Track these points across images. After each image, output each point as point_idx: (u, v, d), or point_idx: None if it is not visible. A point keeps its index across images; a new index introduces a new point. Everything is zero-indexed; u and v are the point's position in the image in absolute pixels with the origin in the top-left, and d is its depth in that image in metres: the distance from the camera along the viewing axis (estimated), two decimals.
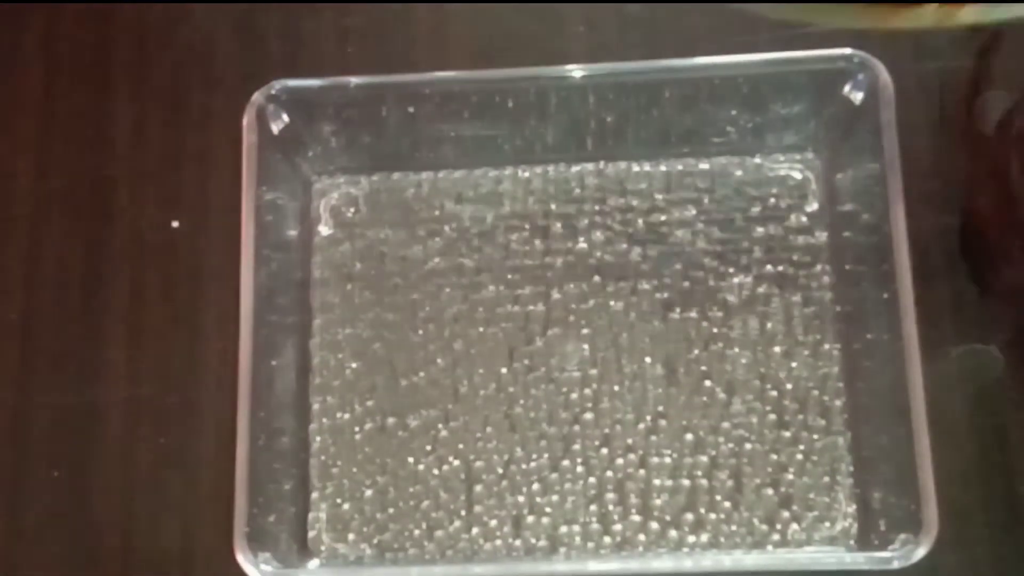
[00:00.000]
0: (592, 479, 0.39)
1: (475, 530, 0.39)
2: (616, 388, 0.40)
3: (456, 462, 0.40)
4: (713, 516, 0.39)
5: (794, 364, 0.40)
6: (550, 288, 0.41)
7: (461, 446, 0.40)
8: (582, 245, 0.41)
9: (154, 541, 0.40)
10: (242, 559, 0.37)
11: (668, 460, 0.39)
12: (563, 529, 0.39)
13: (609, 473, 0.39)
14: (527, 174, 0.42)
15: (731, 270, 0.41)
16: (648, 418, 0.40)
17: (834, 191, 0.41)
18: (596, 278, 0.41)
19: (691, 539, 0.38)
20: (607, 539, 0.39)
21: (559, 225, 0.42)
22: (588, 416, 0.40)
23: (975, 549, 0.38)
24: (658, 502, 0.39)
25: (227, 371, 0.39)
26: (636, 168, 0.42)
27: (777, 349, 0.40)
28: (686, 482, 0.39)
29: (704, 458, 0.39)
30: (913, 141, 0.39)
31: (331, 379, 0.41)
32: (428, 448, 0.40)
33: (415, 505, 0.39)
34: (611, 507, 0.39)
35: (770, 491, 0.39)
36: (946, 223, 0.41)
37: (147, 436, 0.41)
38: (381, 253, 0.42)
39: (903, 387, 0.36)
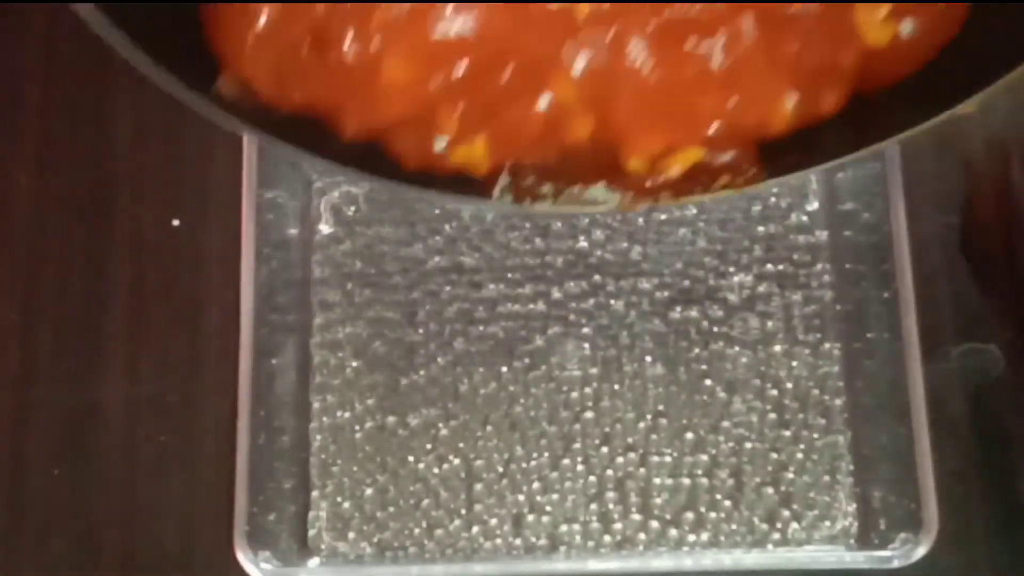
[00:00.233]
0: (592, 478, 0.39)
1: (475, 529, 0.39)
2: (616, 387, 0.40)
3: (456, 461, 0.40)
4: (713, 515, 0.39)
5: (794, 363, 0.40)
6: (550, 287, 0.41)
7: (461, 445, 0.40)
8: (582, 244, 0.41)
9: (154, 540, 0.40)
10: (242, 558, 0.37)
11: (668, 459, 0.39)
12: (563, 528, 0.39)
13: (609, 472, 0.39)
14: None
15: (731, 269, 0.41)
16: (648, 417, 0.40)
17: (834, 190, 0.41)
18: (596, 277, 0.41)
19: (691, 538, 0.38)
20: (607, 538, 0.39)
21: (559, 224, 0.42)
22: (588, 415, 0.40)
23: (975, 548, 0.38)
24: (658, 501, 0.39)
25: (227, 370, 0.39)
26: None
27: (777, 348, 0.40)
28: (686, 481, 0.39)
29: (704, 457, 0.39)
30: (913, 141, 0.39)
31: (331, 378, 0.41)
32: (428, 447, 0.40)
33: (415, 504, 0.39)
34: (611, 506, 0.39)
35: (770, 490, 0.39)
36: (946, 223, 0.41)
37: (147, 435, 0.41)
38: (381, 252, 0.42)
39: (903, 387, 0.37)
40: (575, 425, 0.40)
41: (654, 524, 0.39)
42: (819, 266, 0.41)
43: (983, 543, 0.38)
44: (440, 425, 0.40)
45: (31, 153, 0.44)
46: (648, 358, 0.40)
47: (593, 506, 0.39)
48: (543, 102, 0.27)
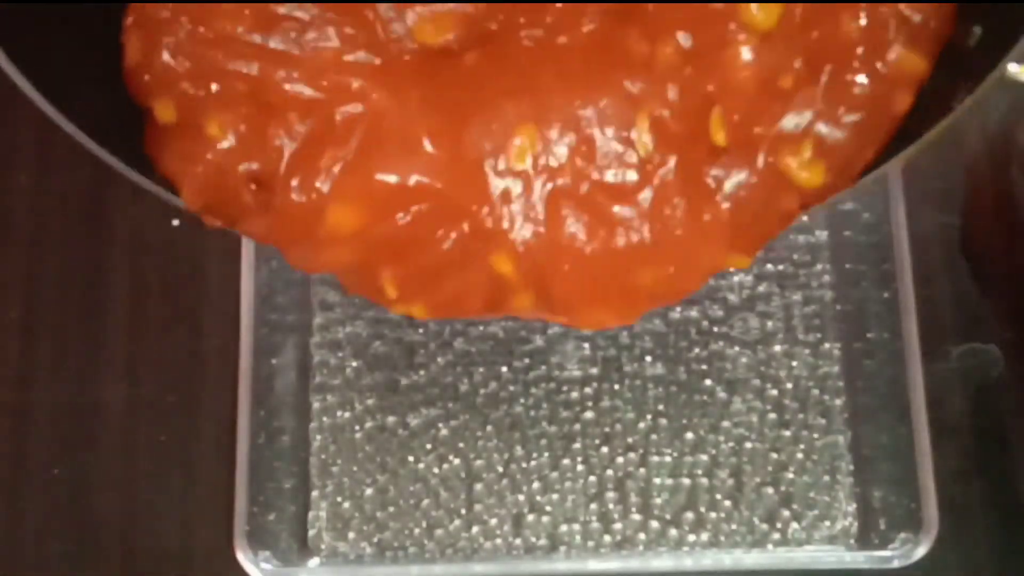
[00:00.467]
0: (592, 478, 0.39)
1: (475, 529, 0.39)
2: (616, 387, 0.40)
3: (456, 461, 0.40)
4: (713, 515, 0.39)
5: (794, 363, 0.40)
6: None
7: (461, 445, 0.40)
8: None
9: (154, 540, 0.40)
10: (242, 558, 0.37)
11: (668, 459, 0.39)
12: (563, 528, 0.39)
13: (609, 472, 0.39)
14: None
15: (731, 268, 0.41)
16: (648, 417, 0.40)
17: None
18: None
19: (691, 538, 0.38)
20: (607, 538, 0.39)
21: None
22: (588, 415, 0.40)
23: (975, 548, 0.38)
24: (658, 501, 0.39)
25: (227, 370, 0.39)
26: None
27: (777, 348, 0.40)
28: (686, 481, 0.39)
29: (704, 457, 0.39)
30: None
31: (331, 378, 0.41)
32: (428, 447, 0.40)
33: (415, 504, 0.39)
34: (611, 506, 0.39)
35: (770, 490, 0.39)
36: (946, 223, 0.41)
37: (147, 435, 0.41)
38: None
39: (903, 387, 0.37)
40: (575, 425, 0.40)
41: (654, 524, 0.39)
42: (819, 266, 0.41)
43: (983, 543, 0.38)
44: (440, 425, 0.40)
45: (31, 153, 0.44)
46: (648, 358, 0.40)
47: (593, 506, 0.39)
48: (481, 275, 0.27)
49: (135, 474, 0.40)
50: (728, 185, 0.26)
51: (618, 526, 0.39)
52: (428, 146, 0.26)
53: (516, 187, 0.26)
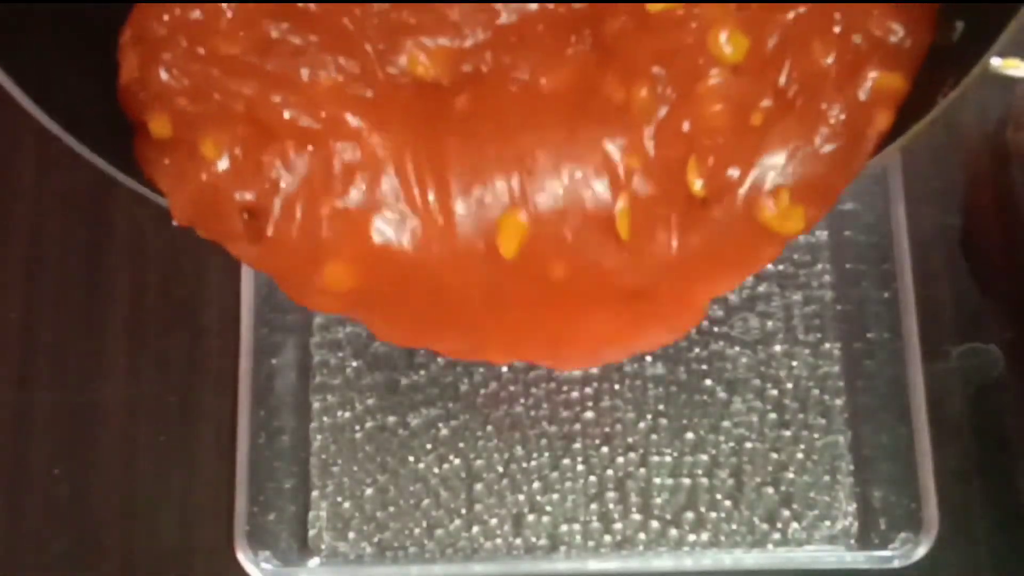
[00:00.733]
0: (592, 478, 0.39)
1: (475, 529, 0.39)
2: (616, 387, 0.40)
3: (456, 461, 0.40)
4: (713, 515, 0.39)
5: (794, 363, 0.40)
6: None
7: (461, 445, 0.40)
8: None
9: (154, 540, 0.40)
10: (242, 557, 0.37)
11: (668, 459, 0.39)
12: (563, 528, 0.39)
13: (610, 472, 0.39)
14: None
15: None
16: (648, 417, 0.40)
17: None
18: None
19: (691, 538, 0.38)
20: (607, 538, 0.39)
21: None
22: (588, 415, 0.40)
23: (975, 548, 0.38)
24: (658, 500, 0.39)
25: (227, 370, 0.39)
26: None
27: (777, 348, 0.40)
28: (687, 481, 0.39)
29: (704, 457, 0.39)
30: (913, 141, 0.39)
31: (331, 378, 0.41)
32: (428, 447, 0.40)
33: (415, 504, 0.39)
34: (612, 506, 0.39)
35: (770, 490, 0.39)
36: (946, 223, 0.41)
37: (147, 435, 0.41)
38: None
39: (903, 387, 0.36)
40: (575, 425, 0.40)
41: (654, 524, 0.39)
42: (819, 266, 0.41)
43: (983, 543, 0.38)
44: (440, 425, 0.40)
45: (31, 153, 0.44)
46: (648, 358, 0.40)
47: (593, 506, 0.39)
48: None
49: (135, 474, 0.40)
50: (706, 237, 0.27)
51: (618, 526, 0.39)
52: (423, 207, 0.26)
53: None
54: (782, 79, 0.26)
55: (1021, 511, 0.39)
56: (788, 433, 0.39)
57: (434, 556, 0.39)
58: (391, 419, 0.40)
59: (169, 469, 0.40)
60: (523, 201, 0.26)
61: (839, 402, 0.39)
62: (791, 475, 0.39)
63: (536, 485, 0.39)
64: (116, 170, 0.26)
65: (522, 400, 0.40)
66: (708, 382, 0.40)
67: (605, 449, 0.39)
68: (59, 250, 0.43)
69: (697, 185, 0.26)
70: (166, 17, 0.27)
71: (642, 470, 0.39)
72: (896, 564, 0.36)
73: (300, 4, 0.27)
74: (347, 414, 0.40)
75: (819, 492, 0.39)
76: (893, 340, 0.38)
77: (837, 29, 0.26)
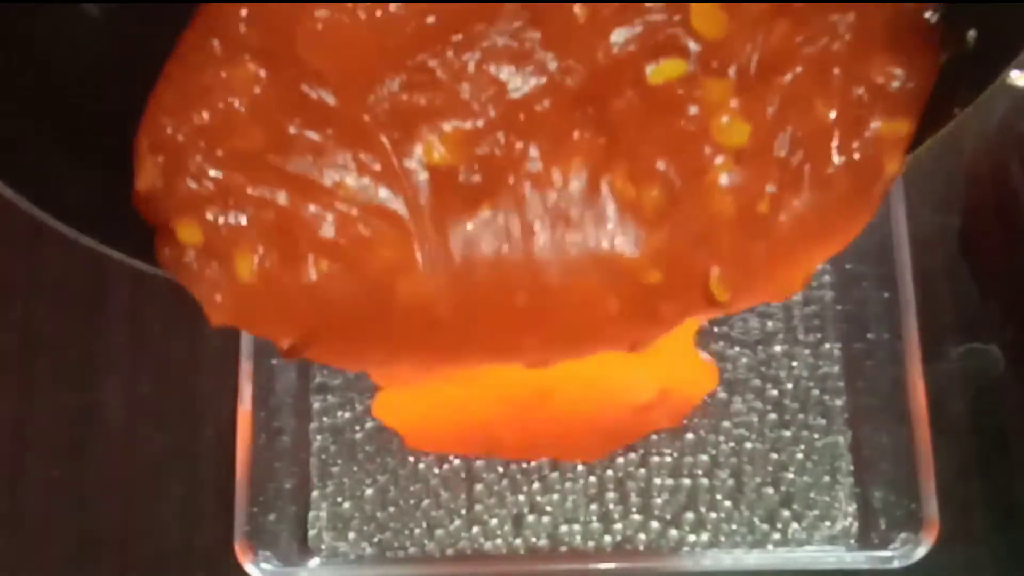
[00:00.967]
0: (592, 478, 0.39)
1: (475, 529, 0.39)
2: None
3: (456, 461, 0.39)
4: (714, 515, 0.39)
5: (794, 363, 0.40)
6: None
7: None
8: None
9: (154, 540, 0.40)
10: (242, 558, 0.37)
11: (669, 459, 0.39)
12: (564, 528, 0.39)
13: (610, 472, 0.39)
14: None
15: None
16: None
17: None
18: None
19: (691, 538, 0.38)
20: (608, 538, 0.39)
21: None
22: None
23: (975, 548, 0.38)
24: (658, 501, 0.39)
25: (227, 370, 0.39)
26: None
27: (777, 348, 0.40)
28: (687, 481, 0.39)
29: (705, 457, 0.39)
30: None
31: (331, 378, 0.40)
32: None
33: (415, 504, 0.39)
34: (612, 506, 0.39)
35: (771, 490, 0.39)
36: (946, 223, 0.41)
37: (147, 435, 0.41)
38: None
39: (903, 387, 0.36)
40: None
41: (654, 524, 0.39)
42: (819, 266, 0.41)
43: (983, 543, 0.38)
44: None
45: None
46: None
47: (593, 506, 0.39)
48: None
49: (135, 474, 0.40)
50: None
51: (618, 526, 0.39)
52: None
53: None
54: (785, 149, 0.26)
55: (1021, 511, 0.39)
56: (788, 433, 0.39)
57: (434, 556, 0.39)
58: None
59: (169, 469, 0.40)
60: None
61: (839, 402, 0.39)
62: (791, 475, 0.39)
63: (536, 485, 0.39)
64: (140, 263, 0.26)
65: None
66: None
67: None
68: (59, 250, 0.43)
69: (724, 296, 0.26)
70: (183, 121, 0.26)
71: (642, 470, 0.39)
72: (896, 564, 0.36)
73: (313, 97, 0.26)
74: (347, 414, 0.40)
75: (819, 492, 0.39)
76: (893, 340, 0.37)
77: (837, 84, 0.26)
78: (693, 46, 0.25)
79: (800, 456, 0.39)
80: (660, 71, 0.25)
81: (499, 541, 0.39)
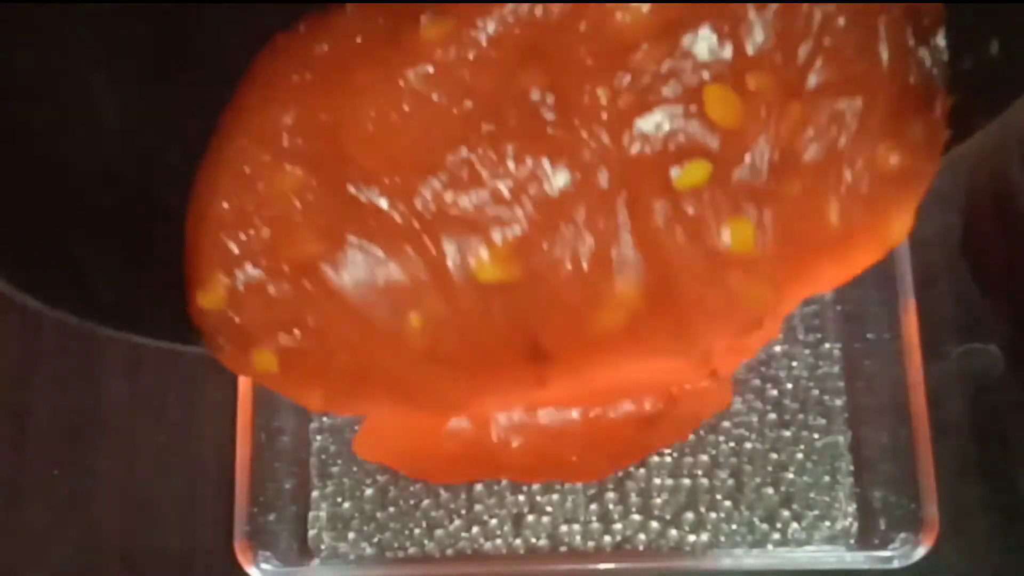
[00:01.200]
0: None
1: (475, 529, 0.39)
2: None
3: None
4: (713, 515, 0.39)
5: (794, 363, 0.40)
6: None
7: None
8: None
9: (154, 540, 0.40)
10: (242, 558, 0.37)
11: (668, 459, 0.39)
12: (563, 528, 0.39)
13: None
14: None
15: None
16: None
17: None
18: None
19: (691, 538, 0.38)
20: (607, 538, 0.39)
21: None
22: None
23: (975, 548, 0.38)
24: (658, 501, 0.39)
25: (227, 370, 0.39)
26: None
27: (777, 348, 0.40)
28: (686, 481, 0.39)
29: (704, 457, 0.39)
30: None
31: None
32: None
33: (415, 504, 0.39)
34: (611, 506, 0.39)
35: (770, 490, 0.39)
36: (946, 223, 0.41)
37: (147, 435, 0.41)
38: None
39: (903, 387, 0.36)
40: None
41: (654, 524, 0.39)
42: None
43: (983, 543, 0.38)
44: None
45: None
46: None
47: (593, 506, 0.39)
48: None
49: (135, 474, 0.40)
50: None
51: (618, 526, 0.39)
52: None
53: None
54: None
55: (1021, 511, 0.39)
56: (788, 433, 0.39)
57: (434, 556, 0.39)
58: None
59: (169, 469, 0.40)
60: None
61: (839, 402, 0.39)
62: (791, 475, 0.39)
63: (536, 485, 0.39)
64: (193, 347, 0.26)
65: None
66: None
67: None
68: None
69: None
70: (244, 237, 0.25)
71: (642, 470, 0.39)
72: (896, 564, 0.36)
73: (363, 200, 0.26)
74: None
75: (819, 492, 0.39)
76: (893, 340, 0.37)
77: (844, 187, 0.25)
78: (712, 142, 0.25)
79: (800, 456, 0.39)
80: (687, 176, 0.26)
81: (499, 541, 0.39)
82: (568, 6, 0.24)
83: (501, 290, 0.26)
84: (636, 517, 0.39)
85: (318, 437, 0.40)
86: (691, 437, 0.39)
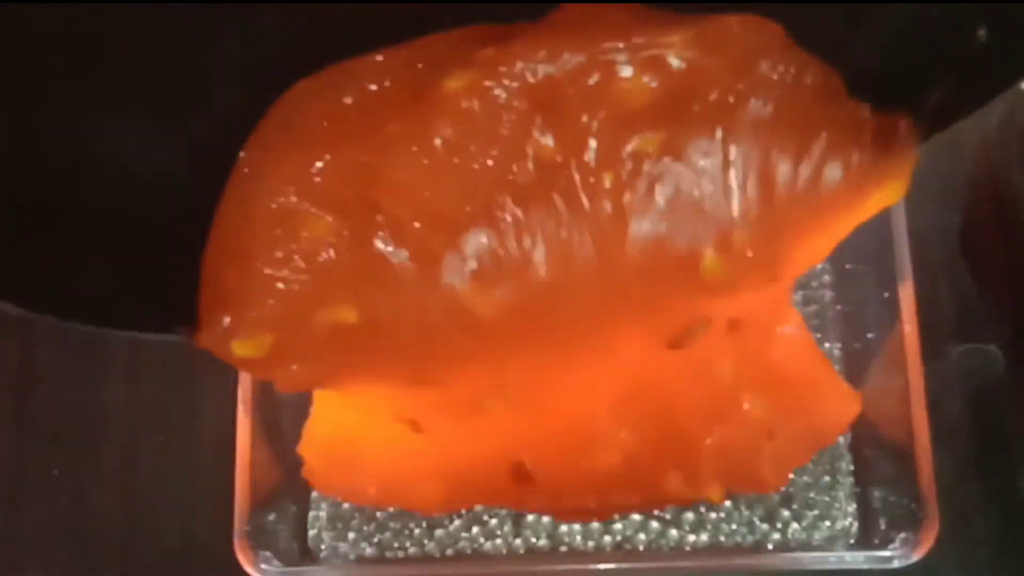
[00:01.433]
0: None
1: (475, 529, 0.39)
2: None
3: None
4: (713, 515, 0.39)
5: None
6: None
7: None
8: None
9: (154, 540, 0.40)
10: (242, 558, 0.37)
11: None
12: (563, 528, 0.39)
13: None
14: None
15: None
16: None
17: None
18: None
19: (691, 538, 0.38)
20: (607, 538, 0.39)
21: None
22: None
23: (975, 548, 0.38)
24: None
25: (227, 370, 0.39)
26: None
27: None
28: None
29: None
30: None
31: None
32: None
33: None
34: None
35: None
36: (946, 223, 0.41)
37: (147, 435, 0.41)
38: None
39: (903, 387, 0.36)
40: None
41: (654, 524, 0.39)
42: (819, 266, 0.41)
43: (983, 543, 0.38)
44: None
45: None
46: None
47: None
48: None
49: (135, 474, 0.40)
50: None
51: (618, 526, 0.39)
52: None
53: None
54: None
55: (1021, 511, 0.39)
56: None
57: (434, 556, 0.39)
58: None
59: (169, 469, 0.40)
60: None
61: None
62: (791, 475, 0.39)
63: None
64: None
65: None
66: None
67: None
68: None
69: None
70: (275, 276, 0.25)
71: None
72: (896, 564, 0.36)
73: (395, 262, 0.26)
74: None
75: (819, 492, 0.39)
76: (893, 340, 0.37)
77: None
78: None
79: None
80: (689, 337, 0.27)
81: (499, 541, 0.39)
82: (581, 59, 0.24)
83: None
84: (636, 517, 0.39)
85: None
86: None
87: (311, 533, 0.39)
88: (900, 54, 0.25)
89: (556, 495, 0.30)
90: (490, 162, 0.24)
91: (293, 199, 0.25)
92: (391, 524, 0.39)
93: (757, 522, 0.38)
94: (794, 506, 0.38)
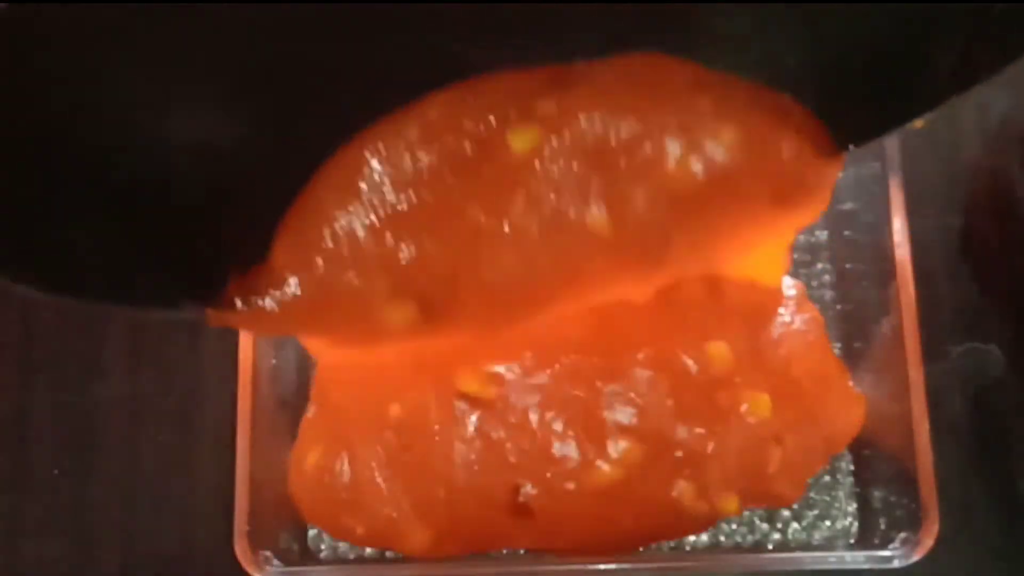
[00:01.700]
0: None
1: None
2: None
3: None
4: None
5: None
6: None
7: None
8: None
9: (154, 540, 0.40)
10: (242, 558, 0.37)
11: None
12: None
13: None
14: None
15: None
16: None
17: (834, 189, 0.41)
18: None
19: (692, 538, 0.38)
20: None
21: None
22: None
23: (975, 548, 0.38)
24: None
25: (227, 369, 0.39)
26: None
27: None
28: None
29: None
30: (914, 140, 0.39)
31: None
32: None
33: None
34: None
35: None
36: (946, 223, 0.41)
37: (147, 436, 0.41)
38: None
39: (903, 387, 0.36)
40: None
41: None
42: (819, 266, 0.41)
43: (983, 543, 0.38)
44: None
45: None
46: None
47: None
48: None
49: (135, 474, 0.40)
50: None
51: None
52: None
53: None
54: None
55: (1021, 511, 0.39)
56: None
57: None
58: None
59: (169, 469, 0.40)
60: None
61: None
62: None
63: None
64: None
65: None
66: None
67: None
68: None
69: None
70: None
71: None
72: (896, 564, 0.36)
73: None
74: None
75: (819, 492, 0.39)
76: (893, 340, 0.37)
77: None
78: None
79: None
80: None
81: None
82: (636, 133, 0.25)
83: None
84: None
85: None
86: None
87: (311, 533, 0.39)
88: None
89: (558, 524, 0.30)
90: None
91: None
92: None
93: (757, 522, 0.38)
94: (794, 506, 0.38)
